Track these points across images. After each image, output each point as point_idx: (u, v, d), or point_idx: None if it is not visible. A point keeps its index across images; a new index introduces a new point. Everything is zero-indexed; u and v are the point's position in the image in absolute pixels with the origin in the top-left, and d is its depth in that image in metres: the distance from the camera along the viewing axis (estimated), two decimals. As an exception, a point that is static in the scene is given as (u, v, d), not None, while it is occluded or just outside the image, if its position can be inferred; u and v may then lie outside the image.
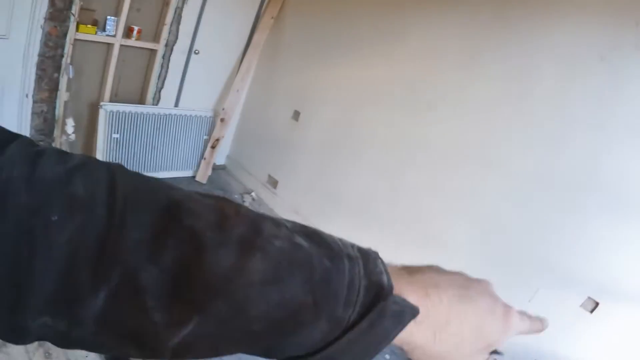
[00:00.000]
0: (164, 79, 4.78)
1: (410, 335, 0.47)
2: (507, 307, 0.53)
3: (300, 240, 0.45)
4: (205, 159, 5.17)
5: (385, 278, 0.46)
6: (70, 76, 4.14)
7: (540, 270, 3.13)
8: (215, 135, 5.11)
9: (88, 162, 0.42)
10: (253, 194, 5.09)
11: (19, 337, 0.39)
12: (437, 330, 0.48)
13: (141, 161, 4.84)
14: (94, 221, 0.38)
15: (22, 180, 0.36)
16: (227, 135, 5.34)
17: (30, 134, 4.27)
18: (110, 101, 4.53)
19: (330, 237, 0.50)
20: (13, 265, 0.35)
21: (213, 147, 5.14)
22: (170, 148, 4.98)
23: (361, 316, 0.44)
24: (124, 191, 0.40)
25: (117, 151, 4.64)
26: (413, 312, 0.45)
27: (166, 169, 5.05)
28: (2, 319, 0.37)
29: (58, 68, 4.10)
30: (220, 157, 5.49)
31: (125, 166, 0.45)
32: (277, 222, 0.47)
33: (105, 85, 4.47)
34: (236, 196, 5.04)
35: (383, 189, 4.06)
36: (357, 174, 4.26)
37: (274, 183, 4.99)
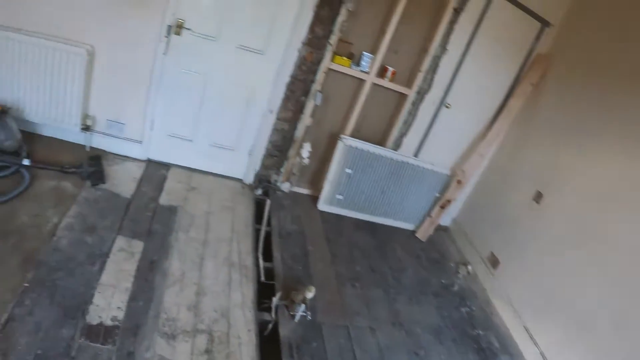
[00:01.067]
0: (409, 126, 4.65)
1: None
2: None
3: None
4: (431, 217, 4.89)
5: None
6: (317, 103, 4.20)
7: None
8: (447, 195, 4.81)
9: None
10: (469, 267, 4.65)
11: None
12: None
13: (367, 202, 4.78)
14: None
15: None
16: (459, 198, 4.98)
17: (266, 147, 4.53)
18: (351, 136, 4.52)
19: None
20: None
21: (442, 207, 4.84)
22: (399, 197, 4.82)
23: None
24: None
25: (346, 185, 4.64)
26: None
27: (389, 217, 4.91)
28: None
29: (306, 92, 4.21)
30: (445, 218, 5.15)
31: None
32: None
33: (349, 119, 4.51)
34: (452, 264, 4.67)
35: (615, 308, 3.36)
36: (590, 282, 3.52)
37: (494, 262, 4.50)
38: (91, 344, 2.58)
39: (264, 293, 3.45)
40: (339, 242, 4.33)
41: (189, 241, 3.66)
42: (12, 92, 3.79)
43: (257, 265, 3.67)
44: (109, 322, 2.75)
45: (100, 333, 2.66)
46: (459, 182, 4.77)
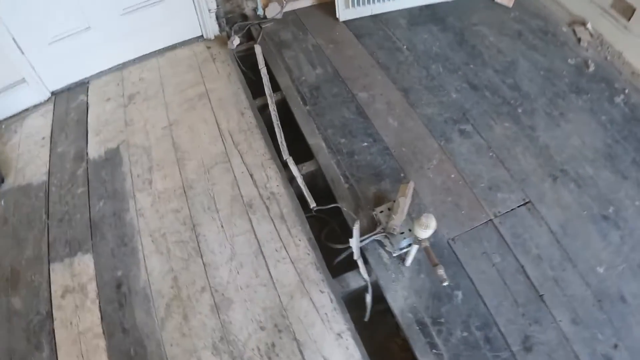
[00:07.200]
0: None
1: None
2: None
3: None
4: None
5: None
6: None
7: None
8: None
9: None
10: (589, 25, 3.00)
11: None
12: None
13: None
14: None
15: None
16: None
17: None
18: None
19: None
20: None
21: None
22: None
23: None
24: None
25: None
26: None
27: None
28: None
29: None
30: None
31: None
32: None
33: None
34: (564, 29, 3.00)
35: None
36: None
37: (625, 10, 2.79)
38: None
39: (327, 232, 1.91)
40: (401, 62, 2.64)
41: (158, 201, 1.99)
42: None
43: (290, 181, 1.93)
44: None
45: None
46: None
